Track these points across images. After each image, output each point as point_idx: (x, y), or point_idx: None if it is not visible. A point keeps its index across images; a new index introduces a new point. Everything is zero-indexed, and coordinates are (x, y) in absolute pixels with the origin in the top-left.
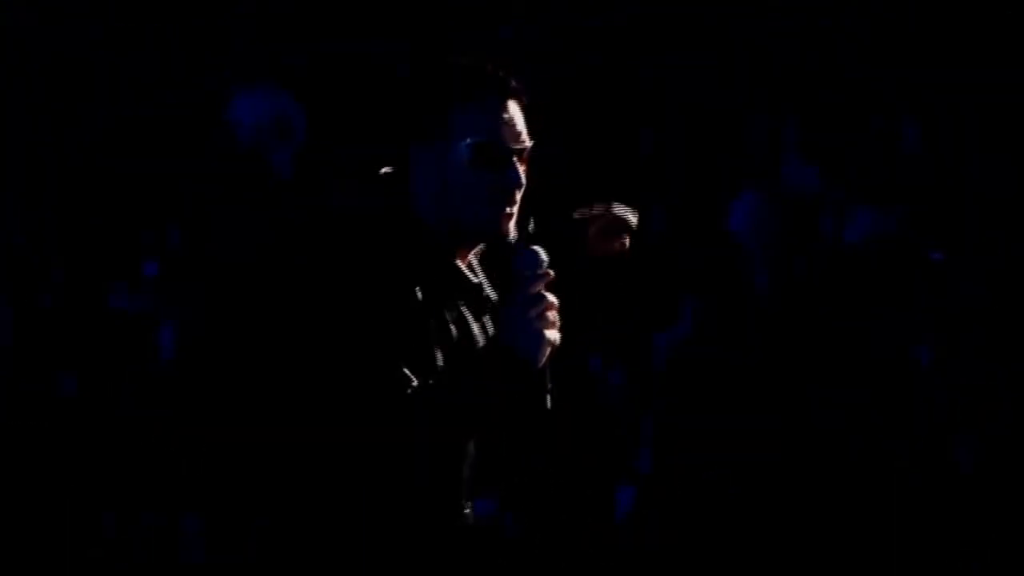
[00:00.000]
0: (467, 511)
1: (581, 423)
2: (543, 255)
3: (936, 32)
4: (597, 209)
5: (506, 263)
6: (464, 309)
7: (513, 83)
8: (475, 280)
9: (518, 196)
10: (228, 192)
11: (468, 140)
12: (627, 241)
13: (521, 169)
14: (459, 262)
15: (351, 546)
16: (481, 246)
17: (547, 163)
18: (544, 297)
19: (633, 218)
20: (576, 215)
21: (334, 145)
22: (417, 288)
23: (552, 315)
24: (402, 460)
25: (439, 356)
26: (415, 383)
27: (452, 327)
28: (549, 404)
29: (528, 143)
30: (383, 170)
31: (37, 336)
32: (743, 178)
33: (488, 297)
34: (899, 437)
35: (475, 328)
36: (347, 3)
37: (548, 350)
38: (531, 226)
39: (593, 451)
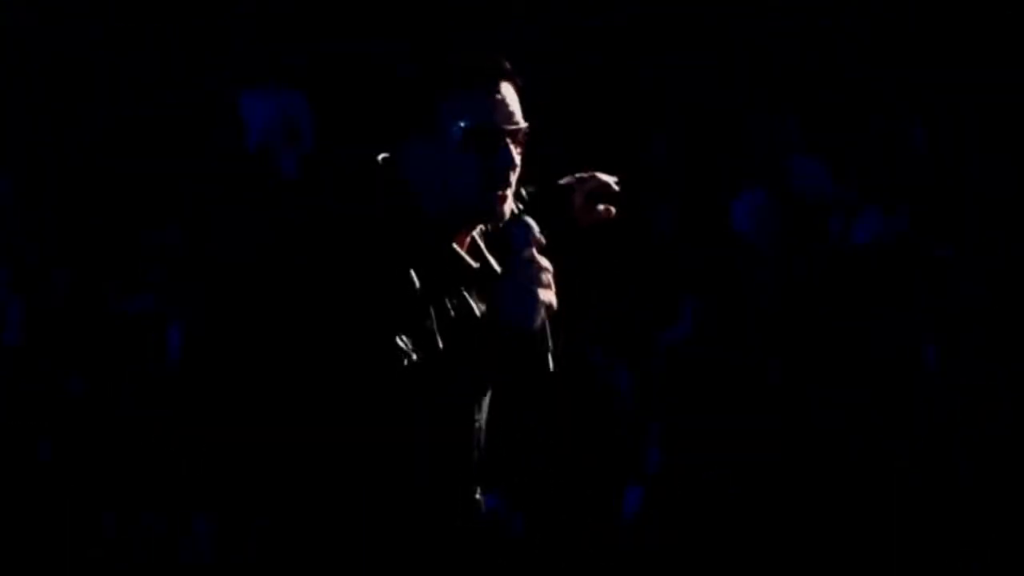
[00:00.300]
0: (478, 497)
1: (585, 423)
2: (534, 225)
3: (936, 32)
4: (581, 175)
5: (503, 242)
6: (466, 294)
7: (505, 65)
8: (475, 264)
9: (512, 178)
10: (228, 192)
11: (459, 123)
12: (612, 208)
13: (516, 151)
14: (458, 246)
15: (355, 540)
16: (483, 227)
17: (547, 163)
18: (536, 260)
19: (615, 185)
20: (562, 183)
21: (334, 144)
22: (415, 276)
23: (546, 277)
24: (405, 453)
25: (440, 342)
26: (414, 358)
27: (453, 312)
28: (551, 365)
29: (522, 124)
30: (380, 156)
31: (39, 335)
32: (744, 178)
33: (493, 277)
34: (899, 437)
35: (478, 312)
36: (347, 3)
37: (544, 312)
38: (524, 193)
39: (597, 451)
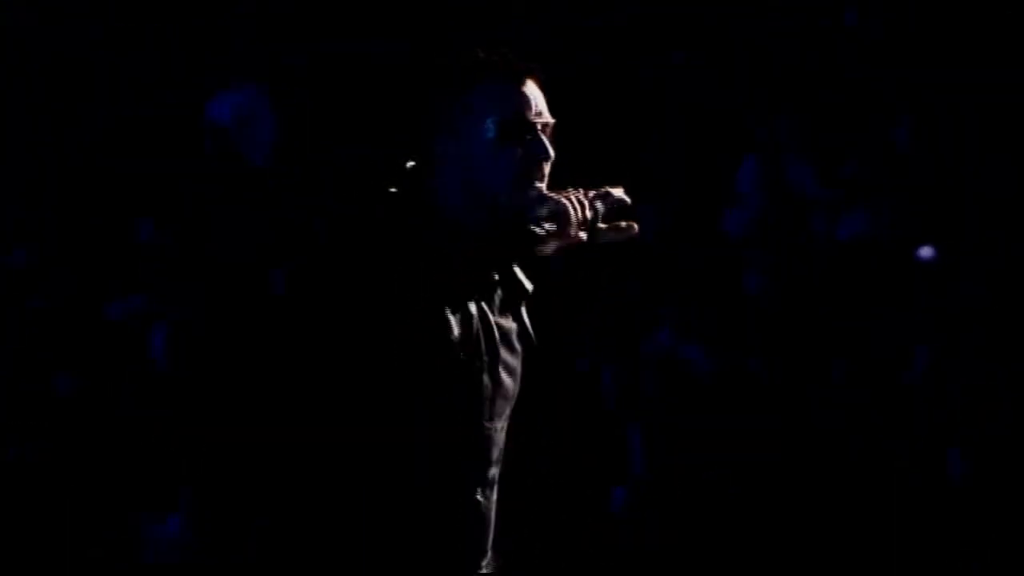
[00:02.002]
0: (479, 498)
1: (581, 423)
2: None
3: (936, 32)
4: (597, 192)
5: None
6: (487, 308)
7: (526, 63)
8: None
9: (547, 168)
10: (228, 192)
11: (492, 118)
12: (636, 225)
13: (548, 142)
14: None
15: (355, 539)
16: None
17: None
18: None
19: (628, 197)
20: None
21: (334, 145)
22: (443, 286)
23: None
24: (405, 453)
25: (461, 353)
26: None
27: (476, 323)
28: (597, 237)
29: (551, 119)
30: (409, 164)
31: (37, 336)
32: (742, 178)
33: (521, 284)
34: (899, 437)
35: (497, 320)
36: (347, 3)
37: (574, 219)
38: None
39: (592, 451)
